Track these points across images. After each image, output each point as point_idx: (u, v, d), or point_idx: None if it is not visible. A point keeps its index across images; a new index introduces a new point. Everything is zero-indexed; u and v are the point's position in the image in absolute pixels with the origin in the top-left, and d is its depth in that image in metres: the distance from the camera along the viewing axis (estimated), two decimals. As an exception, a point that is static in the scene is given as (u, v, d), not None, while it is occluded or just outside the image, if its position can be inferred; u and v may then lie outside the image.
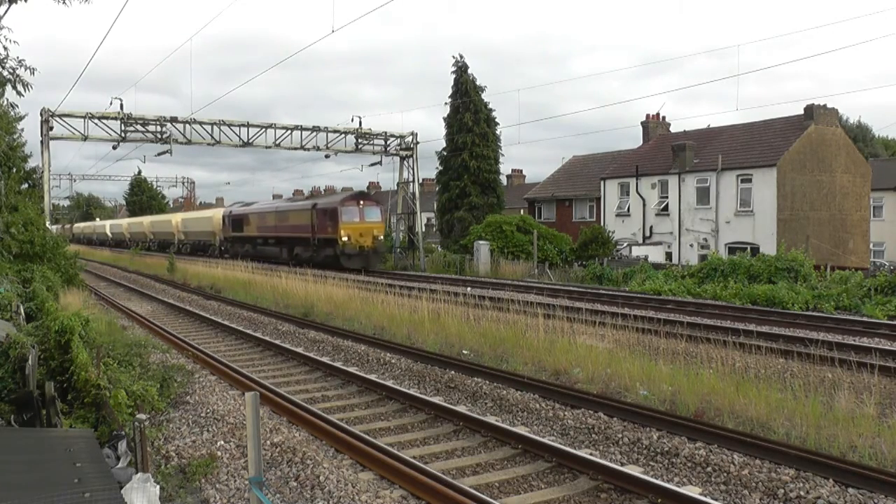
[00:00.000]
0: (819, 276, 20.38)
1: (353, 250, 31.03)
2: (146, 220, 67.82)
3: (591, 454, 7.10)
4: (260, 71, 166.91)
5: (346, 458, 7.18)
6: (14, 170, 19.49)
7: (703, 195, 34.55)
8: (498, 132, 42.37)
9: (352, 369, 11.26)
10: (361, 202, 32.51)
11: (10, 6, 11.23)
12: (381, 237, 32.52)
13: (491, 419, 8.33)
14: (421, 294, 17.66)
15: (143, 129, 39.01)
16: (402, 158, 46.81)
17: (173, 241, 56.99)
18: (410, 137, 46.20)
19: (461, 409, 8.80)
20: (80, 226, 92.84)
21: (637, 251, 33.47)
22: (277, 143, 42.23)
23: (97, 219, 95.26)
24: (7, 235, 16.40)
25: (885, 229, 41.42)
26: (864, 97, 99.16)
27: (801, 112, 33.88)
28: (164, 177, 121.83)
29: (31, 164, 24.19)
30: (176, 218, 59.25)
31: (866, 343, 12.11)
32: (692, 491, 6.04)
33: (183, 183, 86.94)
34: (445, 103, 42.74)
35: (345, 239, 31.05)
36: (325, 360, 12.11)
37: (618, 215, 38.36)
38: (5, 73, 12.15)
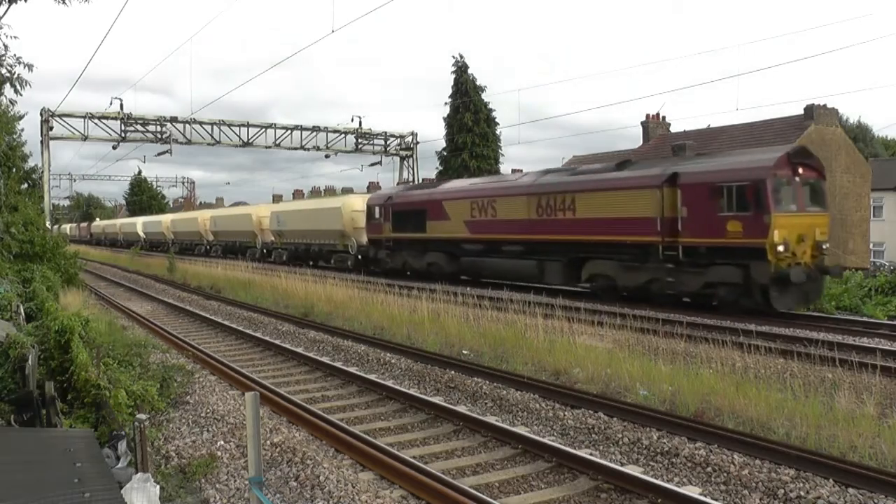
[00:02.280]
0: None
1: (800, 274, 15.04)
2: (203, 216, 50.24)
3: (591, 454, 7.10)
4: (259, 71, 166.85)
5: (346, 458, 7.18)
6: (14, 170, 19.52)
7: (703, 195, 34.41)
8: (498, 132, 42.48)
9: (352, 369, 11.26)
10: (800, 170, 16.01)
11: (9, 6, 11.22)
12: (826, 244, 16.38)
13: (491, 419, 8.33)
14: (421, 294, 17.66)
15: (143, 129, 39.13)
16: (402, 158, 46.85)
17: (253, 245, 41.66)
18: (410, 137, 46.25)
19: (461, 409, 8.80)
20: (100, 224, 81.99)
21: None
22: (277, 143, 42.35)
23: (98, 218, 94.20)
24: (7, 235, 16.42)
25: (885, 229, 41.45)
26: (864, 97, 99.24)
27: (801, 112, 33.90)
28: (164, 177, 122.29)
29: (31, 163, 24.22)
30: (258, 212, 41.47)
31: (866, 343, 12.10)
32: (692, 491, 6.04)
33: (183, 183, 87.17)
34: (445, 103, 42.87)
35: (780, 248, 15.06)
36: (325, 360, 12.11)
37: (618, 215, 38.05)
38: (3, 70, 12.15)
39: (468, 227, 23.04)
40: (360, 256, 30.46)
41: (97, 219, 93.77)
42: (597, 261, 18.70)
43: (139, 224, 63.21)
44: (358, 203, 30.83)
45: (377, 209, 28.24)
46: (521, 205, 20.88)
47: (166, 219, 57.48)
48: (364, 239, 29.61)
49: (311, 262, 34.29)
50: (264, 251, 40.35)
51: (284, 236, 37.19)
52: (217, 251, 46.25)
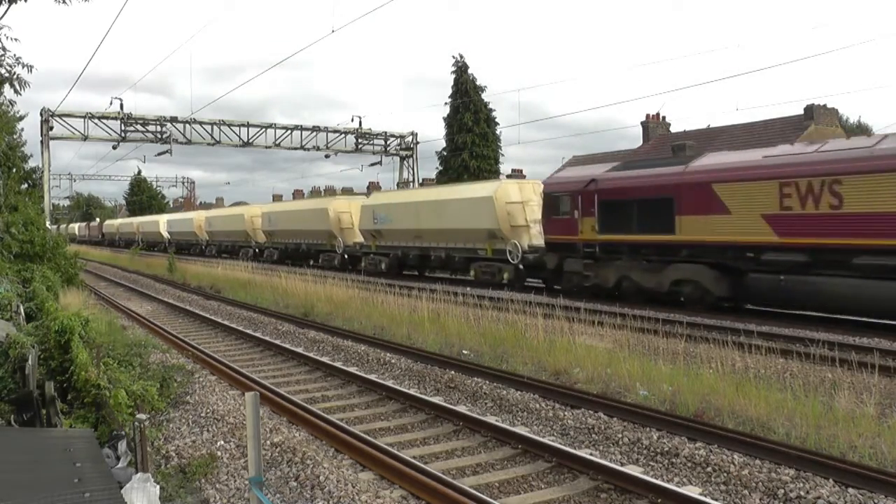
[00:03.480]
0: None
1: None
2: (251, 213, 40.36)
3: (591, 454, 7.10)
4: (258, 71, 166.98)
5: (346, 458, 7.18)
6: (14, 170, 19.55)
7: (704, 195, 34.16)
8: (498, 132, 42.52)
9: (352, 369, 11.26)
10: None
11: (9, 6, 11.21)
12: None
13: (491, 419, 8.33)
14: (421, 294, 17.66)
15: (142, 129, 39.18)
16: (402, 158, 46.90)
17: (329, 248, 32.14)
18: (410, 137, 46.30)
19: (461, 409, 8.80)
20: (114, 223, 74.32)
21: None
22: (277, 143, 42.39)
23: (97, 218, 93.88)
24: (7, 235, 16.45)
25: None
26: (864, 97, 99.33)
27: (801, 112, 33.91)
28: (164, 177, 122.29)
29: (31, 164, 24.26)
30: (337, 206, 31.75)
31: (866, 343, 12.10)
32: (692, 491, 6.04)
33: (183, 183, 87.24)
34: (445, 103, 42.88)
35: None
36: (325, 359, 12.11)
37: (619, 215, 37.64)
38: (2, 71, 12.14)
39: (773, 226, 14.37)
40: (521, 266, 21.51)
41: (97, 218, 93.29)
42: None
43: (162, 223, 55.13)
44: (514, 192, 22.38)
45: (567, 198, 19.22)
46: None
47: (199, 216, 49.12)
48: (525, 242, 21.55)
49: (422, 272, 27.13)
50: (345, 257, 31.17)
51: (384, 237, 27.83)
52: (272, 255, 36.90)
